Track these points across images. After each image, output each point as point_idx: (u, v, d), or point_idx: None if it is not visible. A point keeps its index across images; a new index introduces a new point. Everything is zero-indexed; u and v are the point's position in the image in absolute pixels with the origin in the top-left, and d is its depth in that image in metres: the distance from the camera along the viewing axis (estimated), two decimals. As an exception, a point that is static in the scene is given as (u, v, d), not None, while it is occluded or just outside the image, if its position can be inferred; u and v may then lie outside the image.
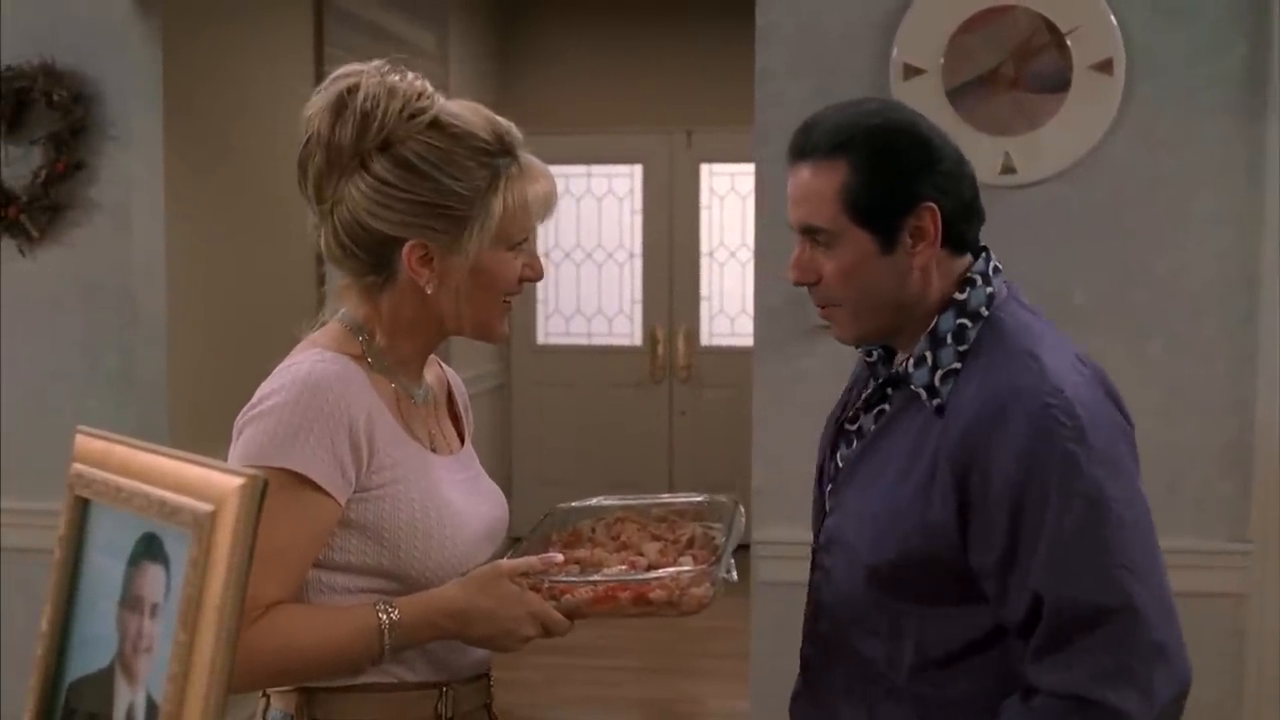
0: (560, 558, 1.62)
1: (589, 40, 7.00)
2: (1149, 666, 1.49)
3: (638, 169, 7.11)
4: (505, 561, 1.60)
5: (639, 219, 7.13)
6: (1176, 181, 2.92)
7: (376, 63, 1.63)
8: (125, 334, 3.35)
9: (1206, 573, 2.91)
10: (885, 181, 1.60)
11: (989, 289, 1.64)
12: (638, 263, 7.14)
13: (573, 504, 1.86)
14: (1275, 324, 2.85)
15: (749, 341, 3.29)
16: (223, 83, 4.35)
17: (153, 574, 1.11)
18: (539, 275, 1.70)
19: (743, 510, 1.79)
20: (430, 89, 1.63)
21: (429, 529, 1.59)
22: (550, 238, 7.02)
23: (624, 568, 1.64)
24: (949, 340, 1.62)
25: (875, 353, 1.74)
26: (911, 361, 1.64)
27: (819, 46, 2.99)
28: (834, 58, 2.99)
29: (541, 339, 7.22)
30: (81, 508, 1.20)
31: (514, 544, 1.72)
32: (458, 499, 1.65)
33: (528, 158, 1.65)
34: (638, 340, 7.17)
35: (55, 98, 3.23)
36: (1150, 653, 1.49)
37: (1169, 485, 2.93)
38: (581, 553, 1.70)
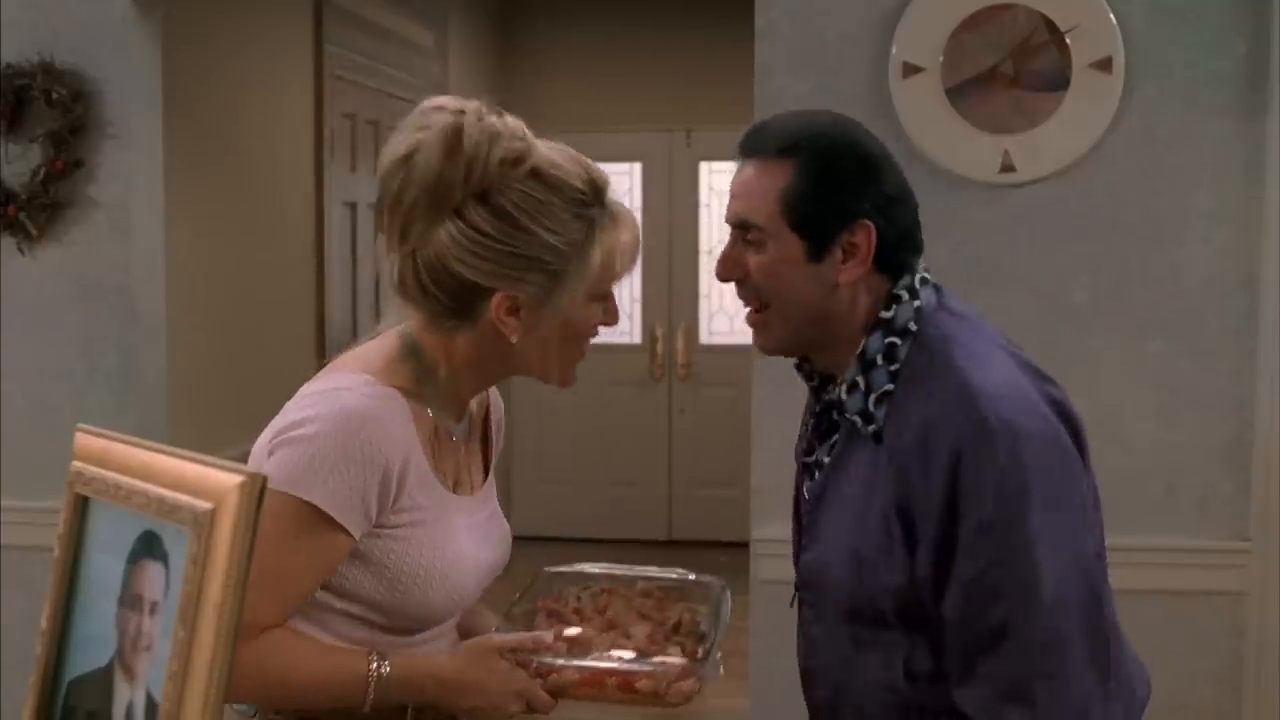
0: (550, 638, 1.63)
1: (589, 39, 6.99)
2: (1042, 689, 1.50)
3: (637, 167, 7.10)
4: (497, 636, 1.62)
5: (638, 217, 7.09)
6: (1176, 180, 2.91)
7: (474, 103, 1.58)
8: (125, 333, 3.34)
9: (1206, 571, 2.91)
10: (827, 191, 1.60)
11: (916, 302, 1.62)
12: (637, 261, 7.12)
13: (559, 569, 1.85)
14: (1275, 323, 2.85)
15: (748, 340, 3.25)
16: (223, 82, 4.34)
17: (152, 572, 1.11)
18: (616, 321, 1.70)
19: (729, 595, 1.77)
20: (524, 128, 1.60)
21: (431, 576, 1.59)
22: (550, 236, 6.99)
23: (614, 653, 1.64)
24: (879, 361, 1.61)
25: (816, 377, 1.73)
26: (844, 388, 1.63)
27: (818, 45, 2.99)
28: (833, 56, 2.98)
29: (541, 338, 7.21)
30: (81, 506, 1.20)
31: (506, 613, 1.72)
32: (468, 546, 1.65)
33: (615, 203, 1.66)
34: (637, 339, 7.17)
35: (54, 96, 3.23)
36: (1037, 683, 1.50)
37: (1169, 485, 2.93)
38: (571, 632, 1.69)
